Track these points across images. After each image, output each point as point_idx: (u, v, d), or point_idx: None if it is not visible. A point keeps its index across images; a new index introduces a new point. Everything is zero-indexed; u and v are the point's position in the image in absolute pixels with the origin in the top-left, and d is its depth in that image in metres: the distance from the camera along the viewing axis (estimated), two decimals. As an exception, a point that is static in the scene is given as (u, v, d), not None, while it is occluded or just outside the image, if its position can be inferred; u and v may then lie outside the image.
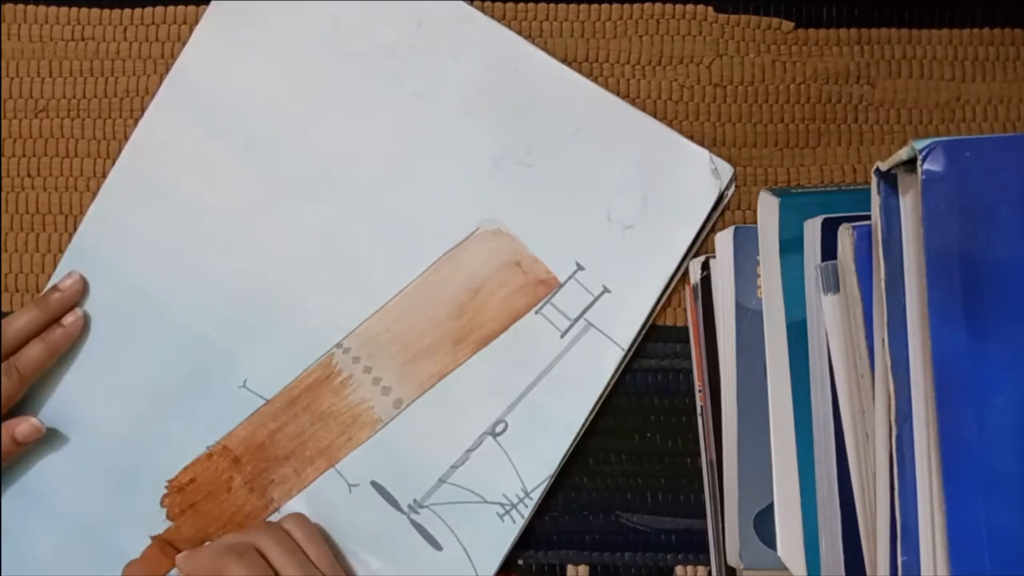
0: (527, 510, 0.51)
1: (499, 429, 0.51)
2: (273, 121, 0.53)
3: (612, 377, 0.51)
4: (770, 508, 0.47)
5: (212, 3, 0.54)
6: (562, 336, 0.51)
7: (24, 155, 0.54)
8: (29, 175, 0.54)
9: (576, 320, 0.51)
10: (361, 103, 0.53)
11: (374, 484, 0.51)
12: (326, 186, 0.53)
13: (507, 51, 0.53)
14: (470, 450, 0.51)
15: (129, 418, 0.52)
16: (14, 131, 0.54)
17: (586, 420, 0.51)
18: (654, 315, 0.52)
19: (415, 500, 0.51)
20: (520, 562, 0.52)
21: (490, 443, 0.51)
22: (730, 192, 0.53)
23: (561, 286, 0.52)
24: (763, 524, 0.47)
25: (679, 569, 0.52)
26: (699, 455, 0.52)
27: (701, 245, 0.52)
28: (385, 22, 0.53)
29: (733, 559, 0.49)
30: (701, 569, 0.52)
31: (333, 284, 0.52)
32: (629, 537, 0.52)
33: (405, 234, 0.52)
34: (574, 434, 0.51)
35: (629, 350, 0.51)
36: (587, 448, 0.52)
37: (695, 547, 0.52)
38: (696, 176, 0.52)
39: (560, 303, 0.52)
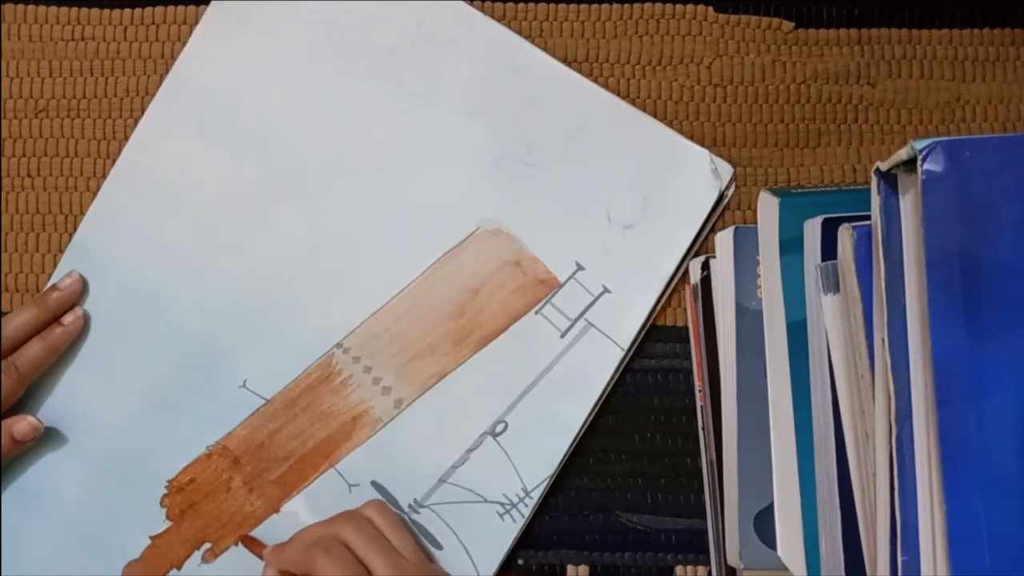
0: (527, 509, 0.51)
1: (499, 429, 0.51)
2: (273, 121, 0.53)
3: (612, 377, 0.51)
4: (770, 508, 0.47)
5: (212, 3, 0.54)
6: (562, 336, 0.51)
7: (24, 155, 0.54)
8: (29, 175, 0.54)
9: (576, 320, 0.51)
10: (361, 103, 0.53)
11: (374, 484, 0.51)
12: (326, 186, 0.53)
13: (507, 51, 0.53)
14: (470, 450, 0.51)
15: (129, 418, 0.52)
16: (14, 131, 0.54)
17: (586, 420, 0.51)
18: (654, 315, 0.52)
19: (415, 500, 0.51)
20: (520, 562, 0.52)
21: (490, 443, 0.51)
22: (730, 192, 0.53)
23: (561, 286, 0.52)
24: (763, 524, 0.47)
25: (679, 569, 0.52)
26: (699, 455, 0.52)
27: (701, 245, 0.52)
28: (385, 22, 0.53)
29: (733, 559, 0.49)
30: (701, 569, 0.52)
31: (333, 284, 0.52)
32: (629, 537, 0.52)
33: (405, 234, 0.52)
34: (574, 434, 0.51)
35: (629, 350, 0.51)
36: (587, 448, 0.52)
37: (695, 547, 0.52)
38: (696, 176, 0.52)
39: (560, 303, 0.52)
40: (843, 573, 0.44)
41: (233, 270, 0.52)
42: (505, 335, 0.52)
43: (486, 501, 0.51)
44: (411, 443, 0.51)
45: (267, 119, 0.53)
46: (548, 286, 0.52)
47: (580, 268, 0.52)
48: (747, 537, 0.48)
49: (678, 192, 0.52)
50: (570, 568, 0.52)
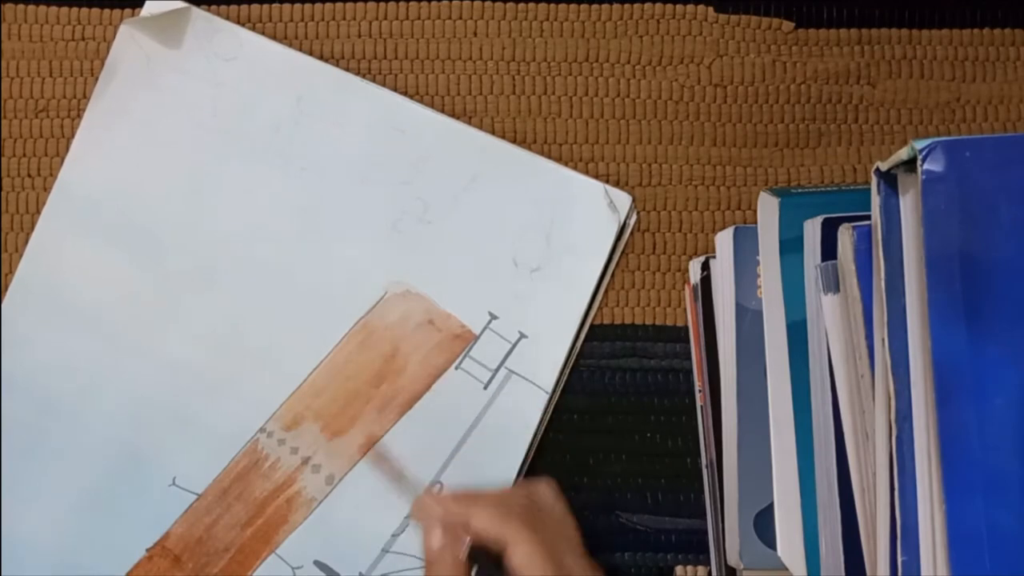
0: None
1: (435, 491, 0.51)
2: (167, 215, 0.52)
3: (541, 421, 0.51)
4: (770, 508, 0.47)
5: (88, 106, 0.53)
6: (485, 387, 0.51)
7: (24, 155, 0.54)
8: (29, 175, 0.54)
9: (497, 370, 0.51)
10: (252, 185, 0.52)
11: (317, 563, 0.51)
12: (229, 272, 0.52)
13: (390, 112, 0.53)
14: (408, 516, 0.51)
15: (63, 534, 0.51)
16: (14, 131, 0.54)
17: (521, 468, 0.51)
18: (575, 354, 0.52)
19: (361, 574, 0.50)
20: (520, 562, 0.52)
21: None
22: (631, 221, 0.53)
23: (477, 338, 0.52)
24: (763, 524, 0.47)
25: (679, 569, 0.52)
26: (699, 455, 0.52)
27: (612, 277, 0.52)
28: (264, 102, 0.53)
29: (733, 559, 0.49)
30: (701, 569, 0.52)
31: (248, 369, 0.52)
32: (629, 537, 0.52)
33: (314, 309, 0.52)
34: (510, 485, 0.51)
35: (554, 392, 0.52)
36: (587, 448, 0.52)
37: (695, 547, 0.52)
38: (594, 211, 0.52)
39: (479, 355, 0.51)
40: (843, 573, 0.44)
41: (146, 370, 0.52)
42: (428, 395, 0.51)
43: None
44: (349, 517, 0.51)
45: (161, 214, 0.52)
46: (464, 340, 0.52)
47: (494, 317, 0.52)
48: (747, 537, 0.48)
49: (579, 229, 0.52)
50: (570, 568, 0.52)
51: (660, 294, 0.53)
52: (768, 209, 0.48)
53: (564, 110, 0.54)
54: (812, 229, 0.46)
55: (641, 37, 0.54)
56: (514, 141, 0.53)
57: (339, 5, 0.54)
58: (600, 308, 0.53)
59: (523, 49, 0.54)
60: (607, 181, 0.53)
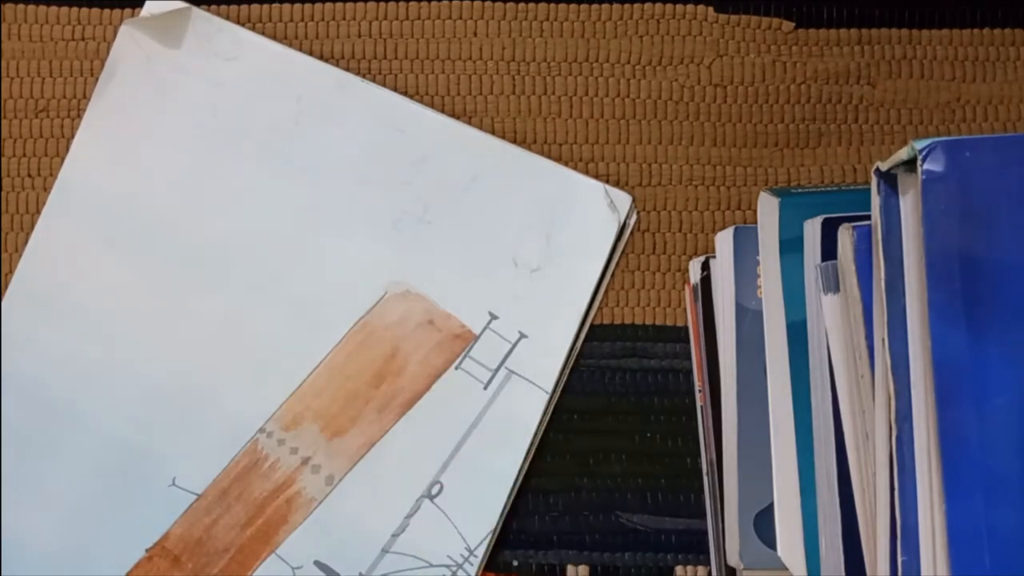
0: (473, 568, 0.50)
1: (435, 491, 0.51)
2: (166, 215, 0.52)
3: (541, 421, 0.51)
4: (770, 508, 0.47)
5: (89, 106, 0.53)
6: (485, 388, 0.51)
7: (24, 155, 0.54)
8: (29, 175, 0.54)
9: (497, 370, 0.51)
10: (252, 185, 0.52)
11: (317, 563, 0.51)
12: (228, 272, 0.52)
13: (390, 112, 0.53)
14: (408, 516, 0.51)
15: (64, 534, 0.51)
16: (14, 131, 0.54)
17: (521, 468, 0.51)
18: (575, 354, 0.52)
19: (361, 574, 0.50)
20: (515, 563, 0.52)
21: (428, 506, 0.51)
22: (632, 221, 0.53)
23: (477, 338, 0.52)
24: (763, 524, 0.47)
25: (679, 569, 0.52)
26: (699, 455, 0.52)
27: (610, 278, 0.52)
28: (263, 102, 0.53)
29: (733, 559, 0.49)
30: (701, 569, 0.52)
31: (248, 370, 0.52)
32: (629, 537, 0.52)
33: (313, 309, 0.52)
34: (510, 485, 0.51)
35: (554, 392, 0.52)
36: (587, 448, 0.52)
37: (695, 547, 0.52)
38: (594, 211, 0.52)
39: (479, 355, 0.51)
40: (843, 573, 0.44)
41: (145, 370, 0.52)
42: (428, 395, 0.51)
43: (432, 566, 0.50)
44: (348, 517, 0.51)
45: (160, 213, 0.52)
46: (464, 340, 0.52)
47: (494, 317, 0.52)
48: (747, 537, 0.48)
49: (579, 228, 0.52)
50: (570, 568, 0.52)
51: (660, 294, 0.53)
52: (768, 209, 0.48)
53: (564, 110, 0.54)
54: (812, 229, 0.46)
55: (641, 37, 0.54)
56: (514, 141, 0.53)
57: (339, 5, 0.55)
58: (600, 308, 0.53)
59: (523, 49, 0.54)
60: (607, 181, 0.53)
